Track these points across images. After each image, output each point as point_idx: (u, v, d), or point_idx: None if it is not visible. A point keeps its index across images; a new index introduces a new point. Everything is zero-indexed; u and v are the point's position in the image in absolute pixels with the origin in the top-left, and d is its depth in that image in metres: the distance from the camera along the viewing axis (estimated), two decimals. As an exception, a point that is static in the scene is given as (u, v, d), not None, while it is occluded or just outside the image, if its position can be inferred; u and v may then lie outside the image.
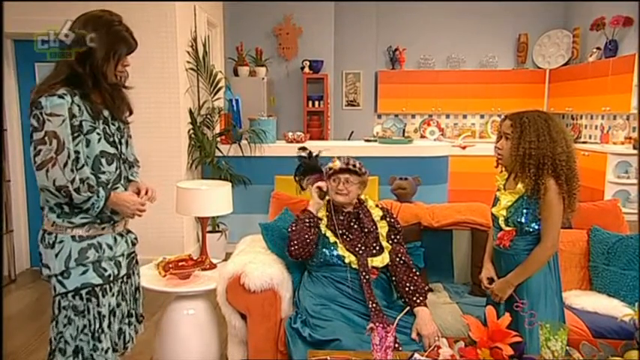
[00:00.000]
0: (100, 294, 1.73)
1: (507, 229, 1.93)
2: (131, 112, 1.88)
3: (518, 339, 1.57)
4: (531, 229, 1.90)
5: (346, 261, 2.14)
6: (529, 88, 7.07)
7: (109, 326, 1.77)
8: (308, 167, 2.36)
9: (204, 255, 2.66)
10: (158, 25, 4.05)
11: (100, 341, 1.73)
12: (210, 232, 4.29)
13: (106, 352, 1.75)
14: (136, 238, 1.95)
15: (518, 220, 1.90)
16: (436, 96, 7.14)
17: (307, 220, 2.22)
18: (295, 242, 2.19)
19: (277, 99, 6.34)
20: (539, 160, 1.83)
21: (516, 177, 1.92)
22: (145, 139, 4.09)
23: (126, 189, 1.84)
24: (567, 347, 1.58)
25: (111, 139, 1.77)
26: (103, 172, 1.74)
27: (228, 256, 2.76)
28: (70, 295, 1.70)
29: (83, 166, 1.67)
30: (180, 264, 2.49)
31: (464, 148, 6.48)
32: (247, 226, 3.74)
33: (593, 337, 2.08)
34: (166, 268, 2.43)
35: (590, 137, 6.61)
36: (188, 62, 4.35)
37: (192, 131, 4.39)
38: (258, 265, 2.23)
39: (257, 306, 2.16)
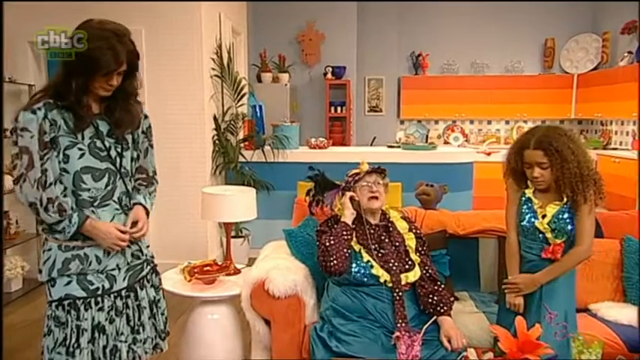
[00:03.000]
0: (81, 307, 1.66)
1: (558, 241, 1.94)
2: (138, 126, 1.78)
3: (550, 351, 1.52)
4: (573, 237, 1.94)
5: (381, 280, 2.04)
6: (556, 94, 6.91)
7: (90, 342, 1.67)
8: (324, 185, 2.29)
9: (228, 260, 2.68)
10: (184, 33, 4.12)
11: (73, 356, 1.64)
12: (233, 237, 4.32)
13: None
14: (139, 250, 1.82)
15: (566, 230, 1.93)
16: (460, 102, 7.05)
17: (345, 233, 2.07)
18: (335, 257, 2.01)
19: (300, 105, 6.37)
20: (582, 174, 1.87)
21: (557, 190, 1.94)
22: (171, 145, 4.17)
23: (121, 206, 1.75)
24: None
25: (102, 154, 1.68)
26: (87, 190, 1.66)
27: (250, 261, 2.77)
28: (53, 304, 1.66)
29: (51, 184, 1.60)
30: (205, 269, 2.51)
31: (489, 154, 6.38)
32: (270, 231, 3.74)
33: (629, 352, 2.00)
34: (192, 273, 2.45)
35: (620, 144, 6.43)
36: (213, 69, 4.41)
37: (216, 137, 4.44)
38: (283, 270, 2.23)
39: (281, 312, 2.16)
